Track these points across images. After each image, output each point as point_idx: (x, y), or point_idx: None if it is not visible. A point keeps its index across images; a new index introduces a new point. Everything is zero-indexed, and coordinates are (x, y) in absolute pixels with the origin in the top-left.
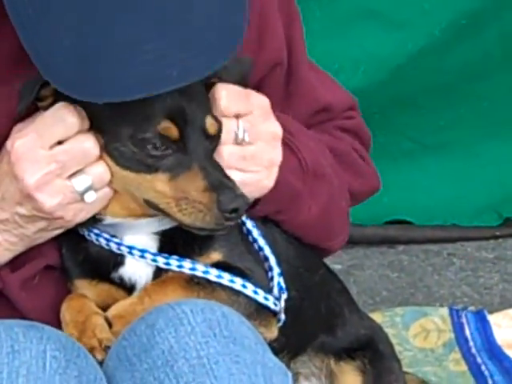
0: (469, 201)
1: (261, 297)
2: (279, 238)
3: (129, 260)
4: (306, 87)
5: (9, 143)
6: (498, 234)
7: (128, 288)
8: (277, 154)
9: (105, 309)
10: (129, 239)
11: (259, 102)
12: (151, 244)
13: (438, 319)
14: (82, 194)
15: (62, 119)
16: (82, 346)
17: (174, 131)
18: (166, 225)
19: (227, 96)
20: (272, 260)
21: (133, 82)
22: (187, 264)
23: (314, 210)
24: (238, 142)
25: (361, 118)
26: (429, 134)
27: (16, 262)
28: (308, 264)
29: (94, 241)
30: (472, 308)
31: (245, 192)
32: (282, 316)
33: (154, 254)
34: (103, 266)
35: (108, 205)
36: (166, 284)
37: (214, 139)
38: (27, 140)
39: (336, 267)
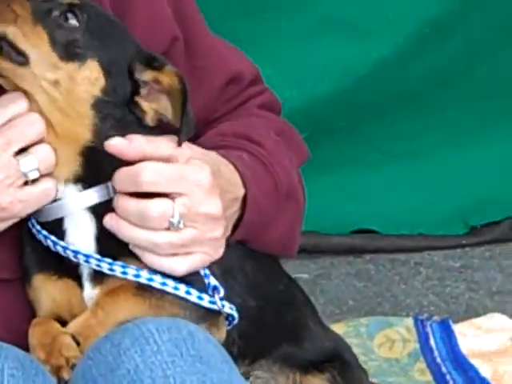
0: (435, 210)
1: (206, 301)
2: (235, 252)
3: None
4: (213, 58)
5: None
6: (464, 242)
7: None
8: (217, 233)
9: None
10: (71, 238)
11: (196, 180)
12: (91, 245)
13: (402, 329)
14: (26, 173)
15: (13, 102)
16: (40, 364)
17: None
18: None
19: (152, 174)
20: None
21: None
22: (131, 271)
23: (282, 228)
24: (173, 229)
25: (269, 89)
26: (394, 143)
27: None
28: (268, 274)
29: (43, 242)
30: (437, 317)
31: (196, 267)
32: (234, 315)
33: (98, 260)
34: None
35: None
36: (117, 294)
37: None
38: None
39: (303, 277)
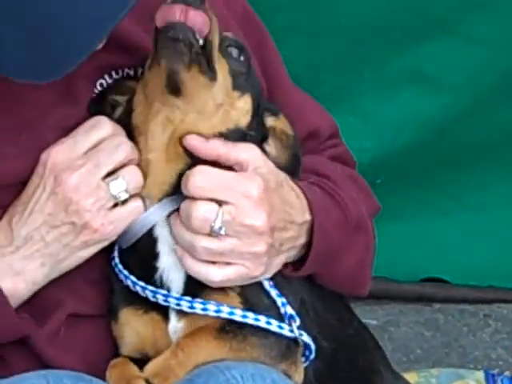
0: (506, 262)
1: (286, 331)
2: (305, 290)
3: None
4: (294, 108)
5: (44, 155)
6: None
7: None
8: (260, 248)
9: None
10: (164, 261)
11: (246, 190)
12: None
13: (473, 382)
14: (116, 196)
15: (98, 128)
16: None
17: None
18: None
19: (202, 179)
20: (273, 292)
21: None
22: (212, 307)
23: (351, 262)
24: (213, 234)
25: (344, 144)
26: (467, 193)
27: (37, 317)
28: (339, 316)
29: (124, 282)
30: (508, 373)
31: (222, 282)
32: (311, 345)
33: (177, 299)
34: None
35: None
36: (197, 336)
37: None
38: (63, 147)
39: (371, 323)
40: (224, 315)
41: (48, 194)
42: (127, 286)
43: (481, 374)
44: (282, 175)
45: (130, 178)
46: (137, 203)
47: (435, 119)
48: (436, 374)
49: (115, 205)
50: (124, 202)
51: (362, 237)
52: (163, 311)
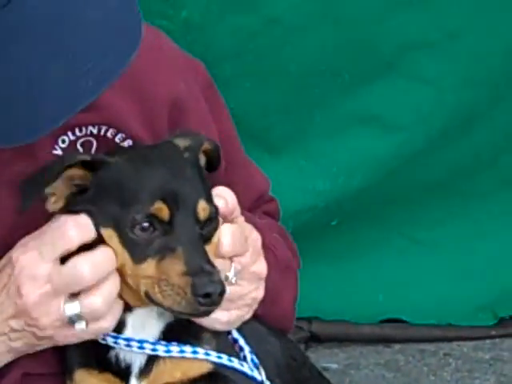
0: (464, 300)
1: (256, 373)
2: (265, 333)
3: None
4: (247, 177)
5: (14, 255)
6: (493, 333)
7: (124, 373)
8: (260, 293)
9: None
10: (130, 328)
11: (253, 240)
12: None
13: None
14: (72, 320)
15: (62, 237)
16: None
17: (164, 212)
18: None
19: (232, 240)
20: (241, 341)
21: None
22: (188, 348)
23: (287, 302)
24: (227, 283)
25: (275, 199)
26: (422, 231)
27: None
28: (295, 357)
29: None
30: None
31: (228, 324)
32: None
33: (152, 343)
34: (100, 349)
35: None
36: None
37: (207, 224)
38: (29, 256)
39: (332, 367)
40: (200, 356)
41: (10, 301)
42: (82, 346)
43: None
44: None
45: (88, 307)
46: (100, 324)
47: (387, 159)
48: None
49: None
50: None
51: (292, 276)
52: (120, 374)
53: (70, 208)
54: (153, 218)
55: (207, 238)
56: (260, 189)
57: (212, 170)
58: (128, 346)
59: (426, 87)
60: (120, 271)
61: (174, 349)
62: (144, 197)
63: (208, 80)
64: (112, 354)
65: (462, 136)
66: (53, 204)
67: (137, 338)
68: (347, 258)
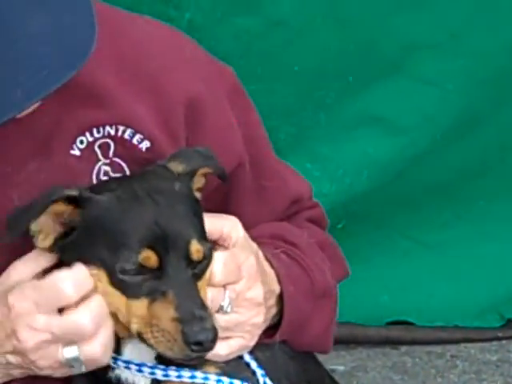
0: (470, 301)
1: None
2: (280, 353)
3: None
4: (279, 181)
5: (10, 298)
6: (500, 335)
7: None
8: (259, 319)
9: None
10: (128, 351)
11: (248, 267)
12: (151, 352)
13: None
14: (71, 364)
15: (58, 291)
16: None
17: (153, 261)
18: None
19: (224, 269)
20: (253, 364)
21: None
22: (186, 373)
23: (318, 328)
24: (222, 312)
25: (319, 205)
26: (428, 233)
27: None
28: (311, 377)
29: None
30: None
31: (227, 355)
32: None
33: (151, 367)
34: (101, 370)
35: None
36: None
37: (200, 263)
38: (26, 305)
39: (339, 369)
40: (199, 381)
41: (8, 339)
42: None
43: None
44: (255, 245)
45: (87, 354)
46: (99, 363)
47: (392, 161)
48: None
49: None
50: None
51: (328, 303)
52: None
53: (58, 245)
54: (141, 267)
55: (200, 275)
56: (294, 193)
57: (223, 181)
58: (127, 367)
59: (431, 88)
60: (113, 313)
61: (172, 373)
62: (131, 243)
63: (235, 84)
64: (111, 375)
65: (467, 137)
66: (41, 241)
67: (135, 361)
68: (353, 260)
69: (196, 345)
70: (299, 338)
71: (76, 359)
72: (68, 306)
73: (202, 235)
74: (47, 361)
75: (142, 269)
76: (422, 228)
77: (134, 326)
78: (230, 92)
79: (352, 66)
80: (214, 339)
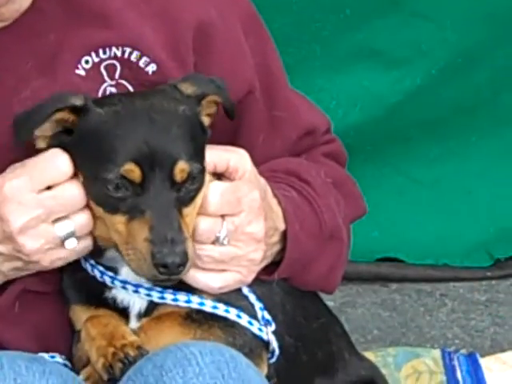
0: (460, 239)
1: (255, 328)
2: (277, 289)
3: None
4: (292, 110)
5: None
6: (489, 274)
7: (122, 312)
8: (257, 255)
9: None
10: (124, 271)
11: (250, 201)
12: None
13: (430, 361)
14: (63, 239)
15: (55, 166)
16: (83, 381)
17: (136, 175)
18: None
19: (220, 198)
20: (252, 297)
21: None
22: (182, 297)
23: (323, 269)
24: (217, 244)
25: (338, 139)
26: (419, 168)
27: None
28: (307, 313)
29: (90, 271)
30: (464, 351)
31: (220, 288)
32: (275, 349)
33: (147, 289)
34: (97, 289)
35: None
36: (162, 321)
37: (186, 185)
38: (17, 182)
39: (328, 304)
40: (194, 305)
41: None
42: (78, 284)
43: (437, 353)
44: (262, 179)
45: (79, 223)
46: (86, 242)
47: (386, 94)
48: (393, 354)
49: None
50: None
51: (335, 246)
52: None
53: (53, 144)
54: (123, 180)
55: (187, 200)
56: (308, 125)
57: (231, 118)
58: (124, 288)
59: (428, 23)
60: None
61: (168, 296)
62: (118, 156)
63: (250, 13)
64: (108, 295)
65: (462, 73)
66: (39, 143)
67: (133, 281)
68: None
69: (163, 267)
70: (301, 277)
71: (70, 234)
72: (59, 182)
73: (194, 158)
74: (37, 241)
75: (123, 182)
76: (413, 163)
77: (114, 239)
78: (244, 20)
79: (350, 0)
80: (182, 264)
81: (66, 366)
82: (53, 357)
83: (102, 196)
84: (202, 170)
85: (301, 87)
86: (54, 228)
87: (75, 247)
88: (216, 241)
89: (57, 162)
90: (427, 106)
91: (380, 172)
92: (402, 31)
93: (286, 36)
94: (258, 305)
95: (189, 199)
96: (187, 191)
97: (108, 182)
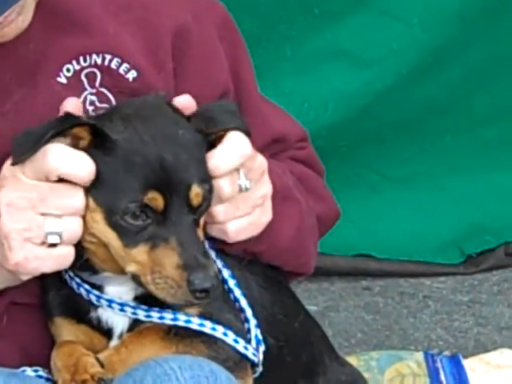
0: (432, 236)
1: (241, 346)
2: (254, 285)
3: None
4: (259, 118)
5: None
6: (461, 270)
7: (105, 331)
8: (267, 188)
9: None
10: (110, 290)
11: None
12: (130, 293)
13: (413, 363)
14: (47, 235)
15: (63, 159)
16: None
17: (159, 202)
18: None
19: (222, 157)
20: (248, 312)
21: None
22: (168, 315)
23: (289, 233)
24: (244, 191)
25: (312, 148)
26: (394, 167)
27: None
28: (286, 310)
29: (75, 289)
30: (447, 352)
31: (244, 234)
32: (260, 368)
33: (133, 307)
34: (82, 307)
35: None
36: (143, 335)
37: (201, 207)
38: (16, 168)
39: (312, 309)
40: (181, 323)
41: None
42: (62, 297)
43: (420, 355)
44: None
45: (70, 227)
46: (68, 250)
47: (358, 94)
48: (376, 357)
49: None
50: (52, 245)
51: (292, 205)
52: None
53: None
54: (146, 208)
55: (199, 219)
56: (277, 133)
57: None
58: (109, 306)
59: (397, 23)
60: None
61: (155, 314)
62: (138, 184)
63: (225, 20)
64: (93, 315)
65: (434, 73)
66: None
67: (118, 300)
68: None
69: (201, 292)
70: (270, 245)
71: (56, 234)
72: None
73: (205, 179)
74: (18, 223)
75: (146, 210)
76: (388, 162)
77: (131, 269)
78: (219, 25)
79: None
80: (219, 286)
81: (48, 379)
82: (36, 370)
83: (118, 226)
84: (211, 190)
85: (271, 90)
86: (41, 219)
87: (55, 250)
88: (241, 190)
89: (65, 157)
90: (400, 105)
91: (354, 171)
92: (370, 30)
93: (254, 37)
94: (253, 321)
95: (199, 218)
96: (201, 212)
97: (130, 211)
